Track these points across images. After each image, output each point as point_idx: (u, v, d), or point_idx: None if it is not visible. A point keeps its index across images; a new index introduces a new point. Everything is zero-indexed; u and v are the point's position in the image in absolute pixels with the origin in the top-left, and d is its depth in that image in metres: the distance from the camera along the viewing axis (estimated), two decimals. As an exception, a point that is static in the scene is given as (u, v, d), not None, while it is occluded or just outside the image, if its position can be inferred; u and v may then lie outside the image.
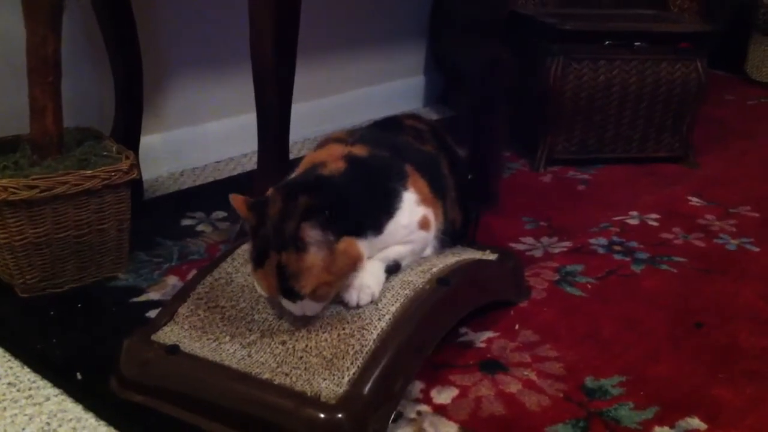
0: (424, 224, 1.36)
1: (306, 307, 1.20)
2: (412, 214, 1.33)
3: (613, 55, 2.28)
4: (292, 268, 1.16)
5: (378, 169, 1.32)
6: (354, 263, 1.21)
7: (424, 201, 1.35)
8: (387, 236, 1.29)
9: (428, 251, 1.41)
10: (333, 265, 1.18)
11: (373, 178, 1.30)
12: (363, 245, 1.24)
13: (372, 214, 1.28)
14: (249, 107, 1.68)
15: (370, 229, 1.26)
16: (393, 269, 1.33)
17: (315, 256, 1.17)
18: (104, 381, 1.26)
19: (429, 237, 1.39)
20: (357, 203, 1.25)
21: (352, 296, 1.25)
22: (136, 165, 1.57)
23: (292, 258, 1.16)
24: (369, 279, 1.26)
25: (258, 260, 1.19)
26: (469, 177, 1.56)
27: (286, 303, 1.21)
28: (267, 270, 1.18)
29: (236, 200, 1.24)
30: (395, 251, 1.33)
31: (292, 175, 1.35)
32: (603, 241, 1.87)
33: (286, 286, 1.17)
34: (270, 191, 1.24)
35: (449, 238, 1.46)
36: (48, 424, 1.19)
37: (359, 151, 1.34)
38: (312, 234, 1.16)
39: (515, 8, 2.55)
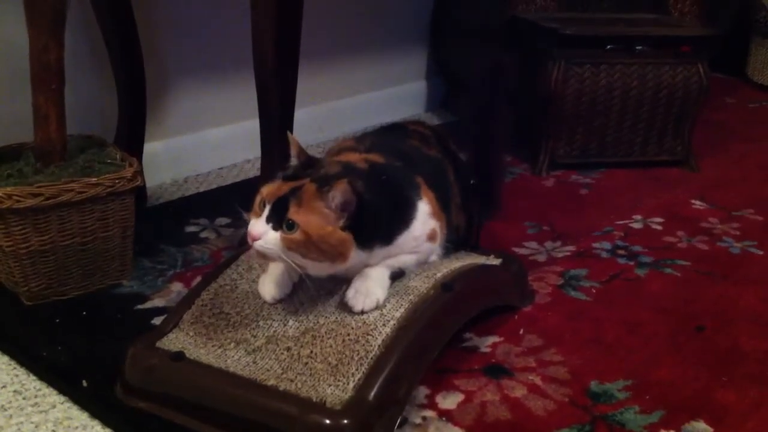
0: (432, 236, 1.37)
1: (270, 235, 1.17)
2: (424, 226, 1.34)
3: (615, 60, 2.28)
4: (305, 196, 1.18)
5: (394, 179, 1.33)
6: (336, 254, 1.20)
7: (434, 214, 1.36)
8: (396, 247, 1.30)
9: (433, 258, 1.42)
10: (325, 238, 1.18)
11: (390, 188, 1.31)
12: (368, 254, 1.25)
13: (386, 225, 1.28)
14: (252, 113, 1.68)
15: (380, 240, 1.27)
16: (397, 276, 1.33)
17: (326, 215, 1.18)
18: (110, 388, 1.26)
19: (434, 247, 1.40)
20: (377, 213, 1.25)
21: (358, 301, 1.25)
22: (139, 172, 1.57)
23: (313, 191, 1.18)
24: (374, 285, 1.27)
25: (288, 177, 1.23)
26: (472, 182, 1.56)
27: (258, 221, 1.18)
28: (286, 184, 1.20)
29: (292, 138, 1.27)
30: (401, 260, 1.33)
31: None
32: (606, 245, 1.87)
33: (284, 201, 1.17)
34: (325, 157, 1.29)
35: (453, 244, 1.46)
36: (54, 431, 1.19)
37: (375, 158, 1.34)
38: (336, 197, 1.17)
39: (516, 13, 2.56)
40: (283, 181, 1.23)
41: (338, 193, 1.17)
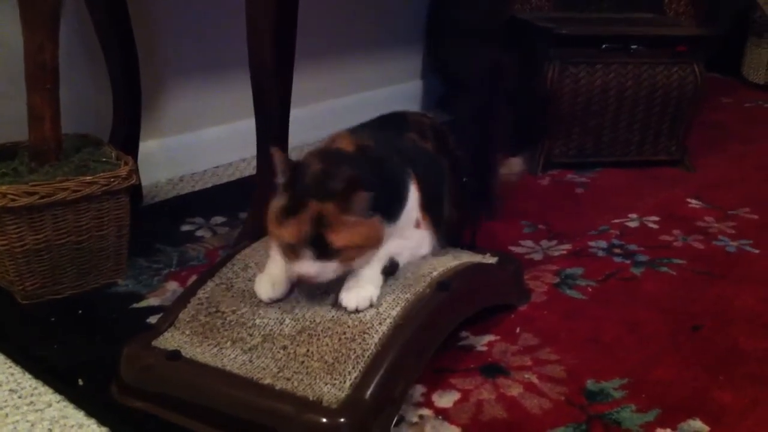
0: (418, 225, 1.38)
1: (325, 268, 1.20)
2: (414, 210, 1.35)
3: (610, 59, 2.29)
4: (331, 219, 1.18)
5: (391, 160, 1.34)
6: (378, 242, 1.24)
7: (420, 205, 1.37)
8: (397, 227, 1.31)
9: (424, 251, 1.42)
10: (364, 236, 1.21)
11: (389, 166, 1.32)
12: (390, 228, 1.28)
13: (392, 202, 1.30)
14: (247, 112, 1.68)
15: (390, 216, 1.28)
16: (390, 270, 1.33)
17: (354, 219, 1.19)
18: (106, 387, 1.25)
19: (425, 235, 1.41)
20: (388, 188, 1.28)
21: (351, 300, 1.25)
22: (134, 171, 1.57)
23: (334, 210, 1.18)
24: (366, 283, 1.27)
25: (291, 208, 1.20)
26: (464, 180, 1.56)
27: (303, 262, 1.20)
28: (301, 217, 1.19)
29: (277, 153, 1.24)
30: (394, 245, 1.32)
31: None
32: (603, 244, 1.87)
33: (317, 234, 1.18)
34: (305, 156, 1.27)
35: (445, 238, 1.47)
36: (50, 430, 1.19)
37: (370, 143, 1.35)
38: (360, 202, 1.19)
39: (513, 13, 2.56)
40: (291, 217, 1.20)
41: (360, 201, 1.19)
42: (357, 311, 1.25)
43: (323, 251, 1.19)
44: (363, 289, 1.26)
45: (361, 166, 1.25)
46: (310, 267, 1.20)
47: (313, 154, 1.28)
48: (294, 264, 1.21)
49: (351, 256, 1.21)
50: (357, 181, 1.18)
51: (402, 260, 1.36)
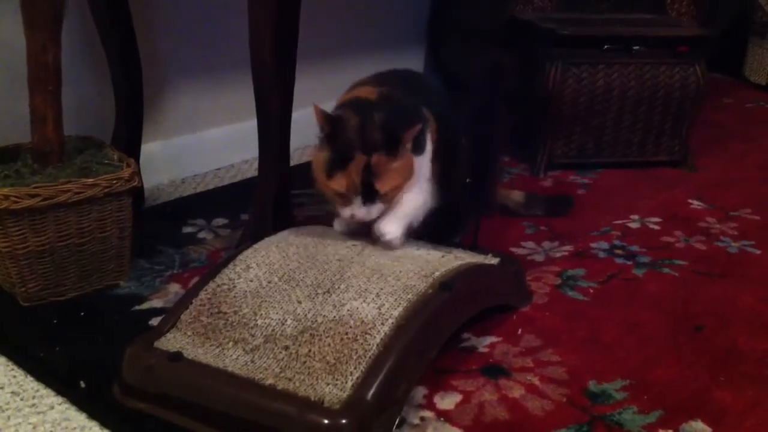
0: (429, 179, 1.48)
1: (373, 209, 1.37)
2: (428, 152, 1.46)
3: (612, 60, 2.29)
4: (380, 169, 1.34)
5: (413, 104, 1.46)
6: (412, 175, 1.39)
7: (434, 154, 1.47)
8: (423, 158, 1.43)
9: (420, 198, 1.46)
10: (403, 175, 1.37)
11: (412, 107, 1.44)
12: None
13: (419, 138, 1.41)
14: (249, 114, 1.68)
15: (418, 149, 1.42)
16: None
17: (399, 162, 1.36)
18: (108, 389, 1.26)
19: (431, 190, 1.48)
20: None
21: (386, 227, 1.42)
22: (137, 173, 1.57)
23: (382, 160, 1.34)
24: (396, 217, 1.43)
25: (338, 161, 1.34)
26: (468, 181, 1.56)
27: (354, 207, 1.36)
28: (350, 170, 1.34)
29: (317, 110, 1.37)
30: (409, 201, 1.43)
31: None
32: (604, 245, 1.87)
33: (368, 183, 1.34)
34: (340, 109, 1.40)
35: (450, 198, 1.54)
36: (52, 432, 1.19)
37: (391, 90, 1.46)
38: (407, 143, 1.35)
39: (514, 14, 2.56)
40: (333, 163, 1.35)
41: (407, 140, 1.35)
42: (389, 242, 1.42)
43: (370, 196, 1.35)
44: (393, 221, 1.42)
45: (391, 112, 1.37)
46: (359, 210, 1.37)
47: (347, 106, 1.40)
48: (344, 209, 1.38)
49: (394, 194, 1.38)
50: (395, 130, 1.33)
51: (415, 220, 1.47)
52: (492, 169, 1.90)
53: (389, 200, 1.38)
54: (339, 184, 1.35)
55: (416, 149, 1.40)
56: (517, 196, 2.00)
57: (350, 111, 1.38)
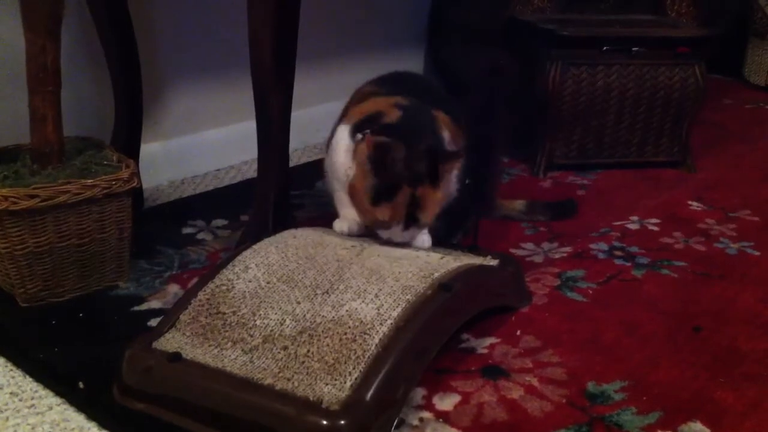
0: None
1: (412, 234, 1.45)
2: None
3: (612, 60, 2.29)
4: (424, 201, 1.40)
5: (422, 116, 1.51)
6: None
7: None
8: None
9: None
10: (444, 198, 1.45)
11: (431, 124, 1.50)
12: None
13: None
14: (249, 115, 1.68)
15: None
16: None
17: (441, 191, 1.42)
18: (107, 390, 1.26)
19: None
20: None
21: (426, 242, 1.50)
22: (136, 173, 1.57)
23: (427, 192, 1.40)
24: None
25: (385, 192, 1.39)
26: (467, 182, 1.57)
27: (395, 232, 1.43)
28: (397, 202, 1.39)
29: (370, 141, 1.40)
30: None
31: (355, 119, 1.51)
32: (603, 246, 1.87)
33: (414, 214, 1.41)
34: (381, 138, 1.39)
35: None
36: (50, 433, 1.19)
37: (402, 101, 1.50)
38: (448, 174, 1.43)
39: (514, 14, 2.56)
40: (378, 192, 1.40)
41: (448, 172, 1.44)
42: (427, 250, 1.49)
43: (413, 224, 1.42)
44: (427, 235, 1.51)
45: (434, 141, 1.43)
46: (400, 236, 1.44)
47: (391, 134, 1.40)
48: (383, 231, 1.45)
49: (432, 220, 1.44)
50: (440, 163, 1.39)
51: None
52: (492, 170, 1.90)
53: (428, 225, 1.46)
54: (384, 214, 1.41)
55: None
56: (518, 205, 2.00)
57: (397, 140, 1.38)
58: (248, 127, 1.75)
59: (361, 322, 1.22)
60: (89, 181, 1.49)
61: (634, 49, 2.28)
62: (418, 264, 1.39)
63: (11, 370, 1.35)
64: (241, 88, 1.88)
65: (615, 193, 2.23)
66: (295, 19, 1.58)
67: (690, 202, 2.16)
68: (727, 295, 1.66)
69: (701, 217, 2.06)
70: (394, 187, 1.39)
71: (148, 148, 2.07)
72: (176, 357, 1.22)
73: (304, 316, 1.25)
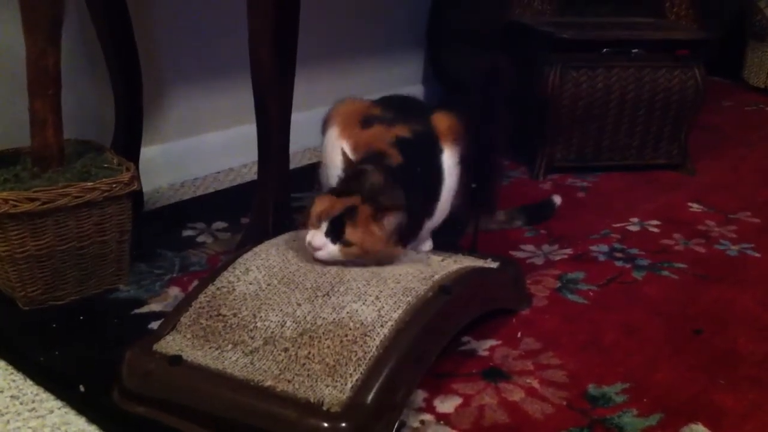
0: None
1: (328, 247, 1.32)
2: (451, 177, 1.51)
3: (611, 63, 2.29)
4: (360, 217, 1.31)
5: (424, 158, 1.48)
6: (387, 261, 1.37)
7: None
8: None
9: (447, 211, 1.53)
10: (374, 250, 1.33)
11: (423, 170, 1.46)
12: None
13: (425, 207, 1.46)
14: (249, 117, 1.69)
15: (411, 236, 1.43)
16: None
17: (380, 237, 1.32)
18: (107, 393, 1.25)
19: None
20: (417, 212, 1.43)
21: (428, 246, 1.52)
22: (136, 176, 1.57)
23: (367, 212, 1.31)
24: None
25: (338, 191, 1.34)
26: (473, 186, 1.57)
27: (317, 235, 1.32)
28: (340, 201, 1.32)
29: (344, 153, 1.39)
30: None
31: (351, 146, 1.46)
32: (604, 248, 1.87)
33: (340, 221, 1.31)
34: (369, 166, 1.37)
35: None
36: (51, 436, 1.19)
37: (403, 132, 1.46)
38: (390, 223, 1.32)
39: (513, 17, 2.56)
40: (334, 196, 1.34)
41: (392, 219, 1.32)
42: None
43: (336, 235, 1.31)
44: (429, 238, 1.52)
45: (407, 190, 1.36)
46: (318, 239, 1.33)
47: (372, 160, 1.38)
48: (309, 231, 1.34)
49: (355, 253, 1.33)
50: (396, 206, 1.32)
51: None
52: (493, 173, 1.90)
53: (349, 255, 1.33)
54: (321, 204, 1.34)
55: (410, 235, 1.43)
56: (499, 216, 1.99)
57: (379, 169, 1.36)
58: (248, 130, 1.75)
59: (362, 324, 1.22)
60: (89, 184, 1.49)
61: (633, 51, 2.29)
62: (418, 266, 1.39)
63: (12, 373, 1.35)
64: (241, 91, 1.88)
65: (615, 195, 2.23)
66: (295, 21, 1.58)
67: (690, 204, 2.16)
68: (727, 297, 1.66)
69: (701, 219, 2.07)
70: (347, 190, 1.34)
71: (148, 151, 2.07)
72: (177, 360, 1.22)
73: (305, 318, 1.25)
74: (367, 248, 1.32)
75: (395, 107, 1.55)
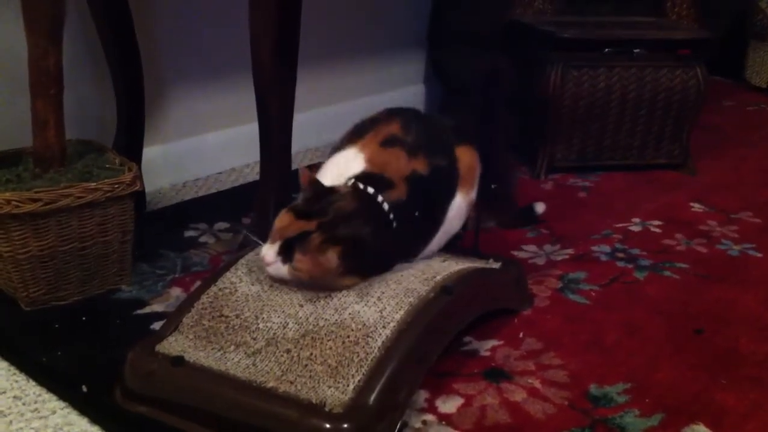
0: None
1: (279, 265, 1.29)
2: (460, 211, 1.49)
3: (613, 63, 2.29)
4: (310, 245, 1.25)
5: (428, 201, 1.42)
6: (340, 290, 1.31)
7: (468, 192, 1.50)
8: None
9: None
10: (327, 282, 1.29)
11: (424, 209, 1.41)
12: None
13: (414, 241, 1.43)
14: (251, 117, 1.69)
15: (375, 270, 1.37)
16: None
17: (328, 268, 1.26)
18: (110, 393, 1.26)
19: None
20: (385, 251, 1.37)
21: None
22: (138, 177, 1.57)
23: (317, 241, 1.25)
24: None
25: (302, 211, 1.29)
26: (493, 186, 1.57)
27: (270, 251, 1.28)
28: (296, 223, 1.28)
29: (304, 173, 1.33)
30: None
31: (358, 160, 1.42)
32: (605, 248, 1.87)
33: (291, 244, 1.27)
34: (344, 185, 1.34)
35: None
36: (54, 436, 1.19)
37: (421, 167, 1.40)
38: (334, 258, 1.26)
39: (514, 17, 2.56)
40: (293, 215, 1.29)
41: (331, 259, 1.26)
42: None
43: (287, 256, 1.28)
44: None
45: (366, 232, 1.29)
46: (270, 256, 1.29)
47: (349, 193, 1.33)
48: (264, 246, 1.31)
49: (302, 278, 1.29)
50: (347, 247, 1.25)
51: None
52: (507, 173, 1.89)
53: (297, 277, 1.29)
54: (281, 221, 1.30)
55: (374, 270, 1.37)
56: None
57: (350, 192, 1.33)
58: (250, 129, 1.75)
59: (364, 325, 1.22)
60: (92, 185, 1.49)
61: (635, 51, 2.29)
62: (420, 267, 1.39)
63: (14, 373, 1.35)
64: (243, 91, 1.88)
65: (616, 195, 2.23)
66: (296, 21, 1.58)
67: (691, 204, 2.16)
68: (728, 297, 1.67)
69: (703, 219, 2.07)
70: (309, 214, 1.28)
71: (150, 151, 2.07)
72: (179, 361, 1.22)
73: (307, 319, 1.25)
74: (315, 277, 1.28)
75: (420, 130, 1.47)
